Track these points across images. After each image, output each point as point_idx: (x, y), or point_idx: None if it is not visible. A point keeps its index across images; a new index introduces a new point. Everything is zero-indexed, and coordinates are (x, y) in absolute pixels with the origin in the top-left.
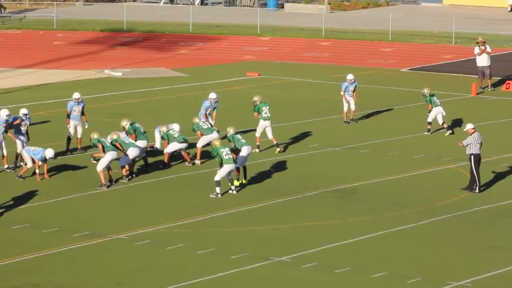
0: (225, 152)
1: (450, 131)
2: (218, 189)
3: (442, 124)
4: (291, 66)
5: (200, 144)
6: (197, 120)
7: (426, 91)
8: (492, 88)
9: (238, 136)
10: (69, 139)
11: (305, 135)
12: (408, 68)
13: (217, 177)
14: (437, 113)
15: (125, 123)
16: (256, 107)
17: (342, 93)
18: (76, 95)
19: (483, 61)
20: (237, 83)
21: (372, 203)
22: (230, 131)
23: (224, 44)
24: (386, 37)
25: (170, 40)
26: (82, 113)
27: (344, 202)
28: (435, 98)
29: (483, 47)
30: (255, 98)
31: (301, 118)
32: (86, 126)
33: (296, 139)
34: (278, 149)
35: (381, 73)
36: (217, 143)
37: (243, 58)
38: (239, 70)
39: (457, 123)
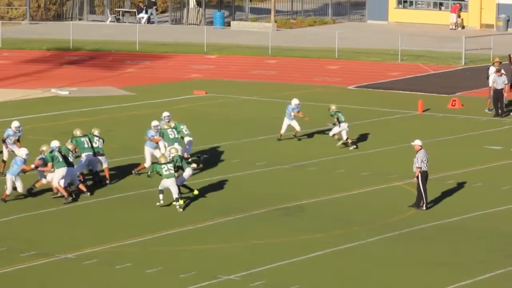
0: (166, 168)
1: (355, 146)
2: (161, 196)
3: (347, 140)
4: (238, 84)
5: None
6: (166, 126)
7: (333, 107)
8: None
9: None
10: (4, 162)
11: (252, 153)
12: (354, 86)
13: (160, 186)
14: (343, 129)
15: (45, 148)
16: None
17: (292, 114)
18: (15, 124)
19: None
20: (184, 101)
21: (321, 220)
22: (173, 151)
23: (171, 63)
24: (333, 54)
25: (117, 59)
26: (17, 140)
27: (292, 220)
28: (340, 114)
29: (498, 67)
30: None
31: (249, 136)
32: None
33: (244, 157)
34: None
35: (327, 91)
36: (162, 159)
37: (190, 76)
38: (186, 88)
39: (403, 140)
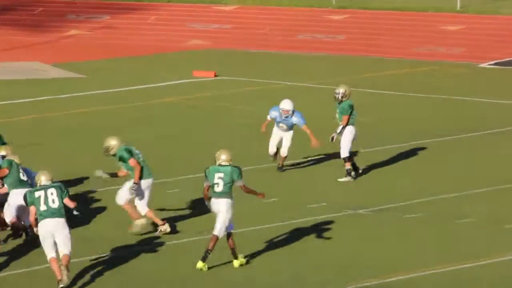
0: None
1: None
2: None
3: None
4: (275, 58)
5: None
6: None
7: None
8: None
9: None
10: None
11: (300, 185)
12: (489, 63)
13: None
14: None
15: None
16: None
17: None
18: None
19: None
20: (175, 90)
21: None
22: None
23: (152, 18)
24: (452, 5)
25: (49, 11)
26: None
27: None
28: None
29: None
30: None
31: (293, 156)
32: None
33: (283, 195)
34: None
35: (441, 72)
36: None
37: (186, 44)
38: (179, 66)
39: None
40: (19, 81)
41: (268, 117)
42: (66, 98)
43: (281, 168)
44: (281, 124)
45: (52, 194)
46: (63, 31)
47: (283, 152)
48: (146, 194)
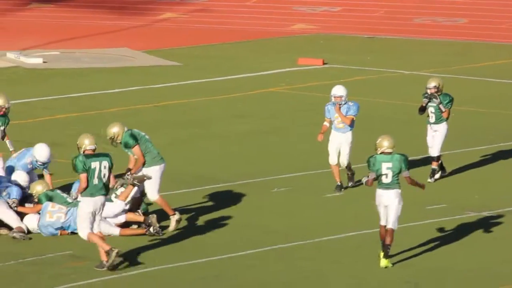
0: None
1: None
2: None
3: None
4: (389, 45)
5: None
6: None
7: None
8: None
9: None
10: None
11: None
12: None
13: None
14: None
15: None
16: None
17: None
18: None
19: None
20: (278, 80)
21: None
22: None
23: (253, 0)
24: None
25: None
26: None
27: None
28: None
29: None
30: None
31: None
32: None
33: (413, 197)
34: None
35: None
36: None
37: (290, 29)
38: (283, 53)
39: None
40: (106, 69)
41: (326, 118)
42: (158, 88)
43: (341, 188)
44: (336, 115)
45: (105, 167)
46: (155, 14)
47: (342, 162)
48: (157, 180)
